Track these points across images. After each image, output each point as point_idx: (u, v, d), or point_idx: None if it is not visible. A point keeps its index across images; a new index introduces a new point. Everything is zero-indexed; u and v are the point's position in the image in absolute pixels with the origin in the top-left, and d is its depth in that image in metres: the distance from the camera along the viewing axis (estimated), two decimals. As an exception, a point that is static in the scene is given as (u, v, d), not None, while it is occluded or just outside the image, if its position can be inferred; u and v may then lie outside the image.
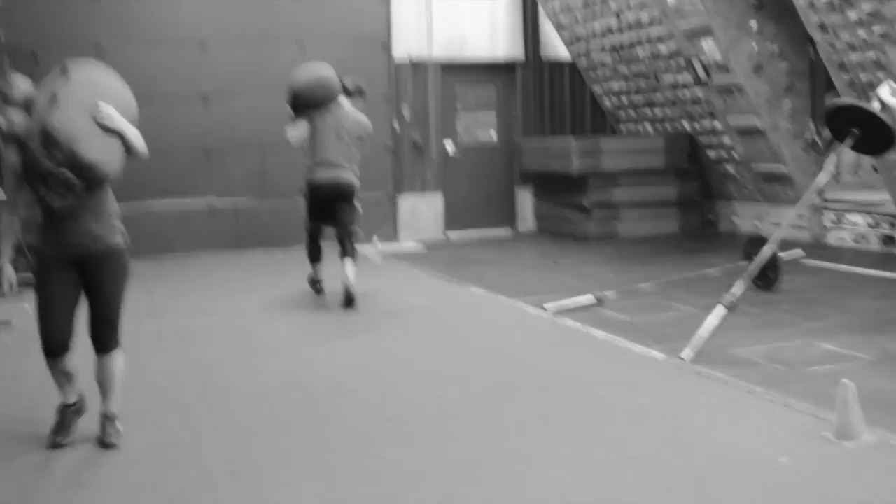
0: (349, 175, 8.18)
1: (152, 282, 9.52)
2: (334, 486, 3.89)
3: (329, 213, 8.21)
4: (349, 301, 7.82)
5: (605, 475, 3.92)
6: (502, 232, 13.34)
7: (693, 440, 4.30)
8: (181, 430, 4.71)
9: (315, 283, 8.61)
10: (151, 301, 8.26)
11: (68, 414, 4.54)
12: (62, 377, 4.51)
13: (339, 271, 8.00)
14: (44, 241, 4.40)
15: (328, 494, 3.80)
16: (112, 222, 4.51)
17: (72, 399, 4.58)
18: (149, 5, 11.51)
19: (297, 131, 8.14)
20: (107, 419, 4.50)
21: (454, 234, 13.08)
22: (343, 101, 8.26)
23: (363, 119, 8.33)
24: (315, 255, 8.52)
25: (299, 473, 4.04)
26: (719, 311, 6.26)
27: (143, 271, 10.23)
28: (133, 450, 4.38)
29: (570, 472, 3.96)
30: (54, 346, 4.38)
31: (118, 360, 4.53)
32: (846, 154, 7.28)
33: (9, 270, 4.45)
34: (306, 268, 8.65)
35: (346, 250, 8.04)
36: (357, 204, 8.32)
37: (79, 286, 4.44)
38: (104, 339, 4.46)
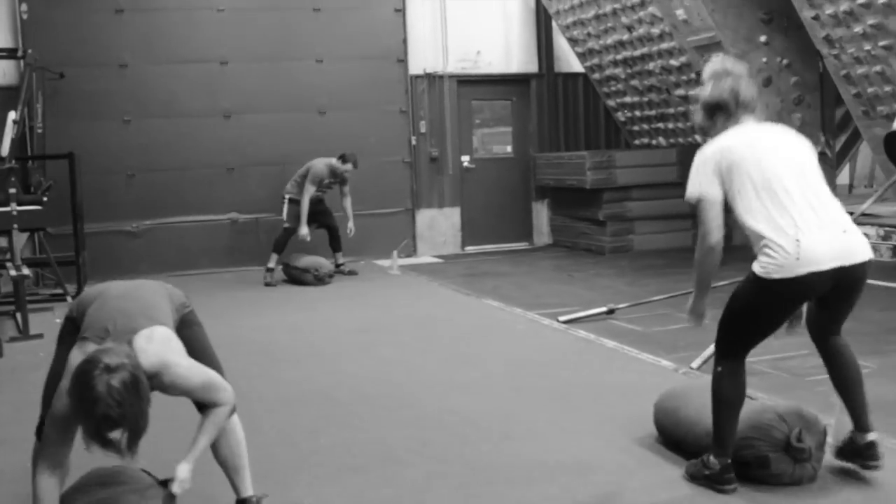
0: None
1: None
2: (356, 487, 4.11)
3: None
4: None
5: (612, 477, 4.12)
6: (519, 246, 13.55)
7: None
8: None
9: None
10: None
11: None
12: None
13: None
14: None
15: (350, 495, 4.03)
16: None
17: None
18: (171, 23, 11.80)
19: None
20: None
21: (472, 249, 13.31)
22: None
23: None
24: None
25: (322, 476, 4.27)
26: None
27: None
28: (161, 457, 4.57)
29: (580, 473, 4.18)
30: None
31: (233, 416, 3.65)
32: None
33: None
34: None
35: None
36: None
37: None
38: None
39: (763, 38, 10.74)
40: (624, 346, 6.68)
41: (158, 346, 3.37)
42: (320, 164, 10.64)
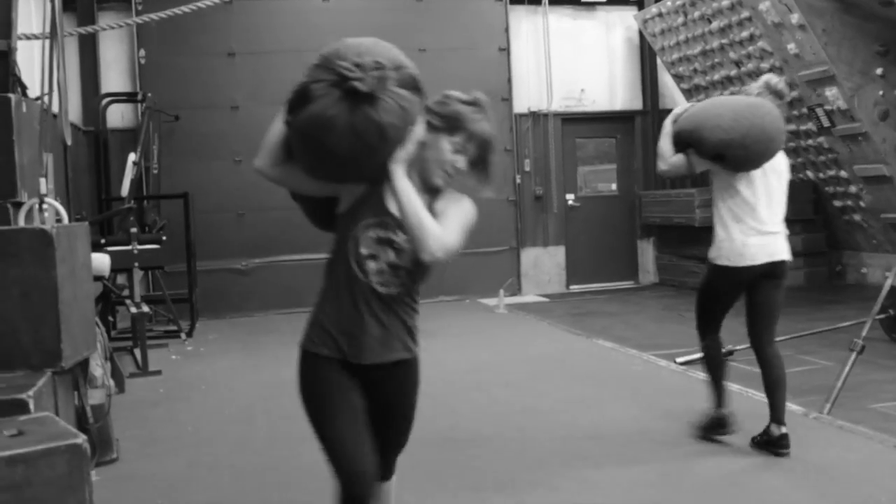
0: None
1: (287, 335, 9.88)
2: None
3: None
4: None
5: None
6: (624, 284, 13.39)
7: (840, 495, 4.31)
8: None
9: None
10: (288, 352, 8.59)
11: None
12: None
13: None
14: (320, 337, 3.08)
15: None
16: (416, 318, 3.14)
17: None
18: (281, 65, 11.94)
19: None
20: None
21: (577, 287, 13.19)
22: None
23: None
24: None
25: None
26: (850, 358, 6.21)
27: (277, 325, 10.67)
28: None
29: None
30: (365, 487, 2.90)
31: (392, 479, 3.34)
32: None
33: None
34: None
35: None
36: None
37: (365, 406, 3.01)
38: (392, 466, 3.30)
39: (879, 71, 10.46)
40: (748, 389, 6.46)
41: None
42: None
